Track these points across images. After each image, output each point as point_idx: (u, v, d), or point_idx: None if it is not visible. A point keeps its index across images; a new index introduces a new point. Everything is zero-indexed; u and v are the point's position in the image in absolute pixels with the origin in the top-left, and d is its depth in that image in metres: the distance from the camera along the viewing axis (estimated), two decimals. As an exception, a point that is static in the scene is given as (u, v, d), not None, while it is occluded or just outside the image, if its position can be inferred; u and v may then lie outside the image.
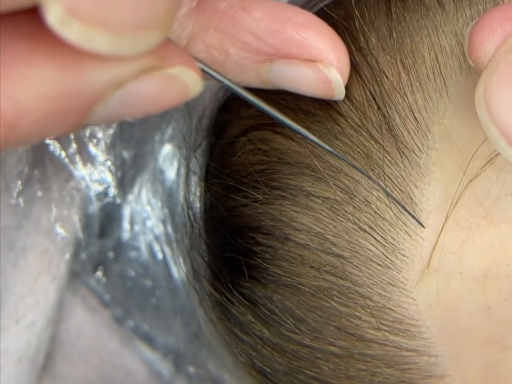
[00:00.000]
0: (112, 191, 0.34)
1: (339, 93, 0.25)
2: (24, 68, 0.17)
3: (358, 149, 0.25)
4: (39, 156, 0.32)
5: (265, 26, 0.24)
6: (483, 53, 0.22)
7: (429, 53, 0.25)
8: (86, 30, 0.16)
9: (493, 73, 0.21)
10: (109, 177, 0.33)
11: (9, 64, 0.17)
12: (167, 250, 0.34)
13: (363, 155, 0.25)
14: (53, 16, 0.16)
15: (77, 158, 0.32)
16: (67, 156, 0.32)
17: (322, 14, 0.27)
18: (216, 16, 0.24)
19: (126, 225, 0.34)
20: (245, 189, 0.27)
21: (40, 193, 0.32)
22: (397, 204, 0.24)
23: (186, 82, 0.19)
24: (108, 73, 0.18)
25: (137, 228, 0.34)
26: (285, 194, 0.26)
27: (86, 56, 0.17)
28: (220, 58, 0.24)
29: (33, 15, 0.17)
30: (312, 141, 0.24)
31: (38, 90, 0.17)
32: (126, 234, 0.34)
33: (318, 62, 0.24)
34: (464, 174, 0.24)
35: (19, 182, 0.31)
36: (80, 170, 0.32)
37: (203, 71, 0.21)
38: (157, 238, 0.34)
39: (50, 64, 0.17)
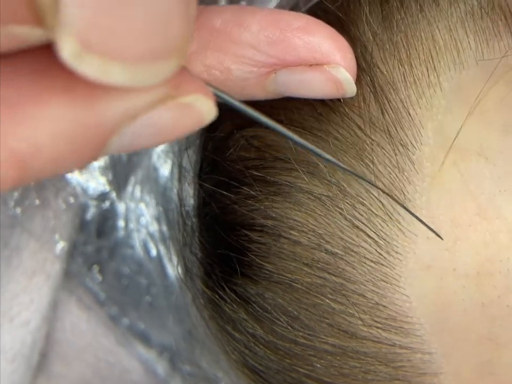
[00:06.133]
0: (107, 190, 0.34)
1: (350, 91, 0.24)
2: (35, 106, 0.16)
3: (351, 145, 0.25)
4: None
5: (264, 37, 0.23)
6: None
7: (423, 48, 0.25)
8: (102, 63, 0.15)
9: None
10: (103, 178, 0.33)
11: (20, 104, 0.16)
12: (162, 247, 0.34)
13: (356, 151, 0.25)
14: (67, 50, 0.15)
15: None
16: None
17: (317, 10, 0.27)
18: (212, 36, 0.23)
19: (120, 223, 0.34)
20: (237, 185, 0.27)
21: (37, 202, 0.32)
22: (399, 205, 0.24)
23: (201, 109, 0.19)
24: (122, 105, 0.17)
25: (131, 225, 0.34)
26: (277, 190, 0.26)
27: (99, 89, 0.17)
28: (222, 77, 0.23)
29: (43, 51, 0.16)
30: (316, 154, 0.23)
31: (52, 128, 0.16)
32: (120, 232, 0.34)
33: (324, 64, 0.23)
34: (458, 170, 0.24)
35: (16, 194, 0.31)
36: (74, 173, 0.32)
37: (216, 95, 0.20)
38: (151, 235, 0.34)
39: (63, 100, 0.17)
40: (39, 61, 0.17)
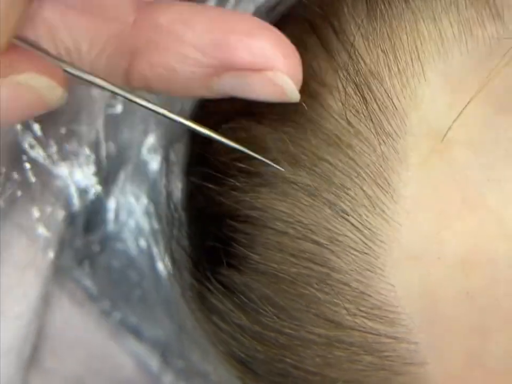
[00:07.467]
0: (96, 184, 0.34)
1: (293, 96, 0.24)
2: None
3: (335, 135, 0.25)
4: (15, 156, 0.31)
5: (208, 39, 0.23)
6: None
7: (407, 38, 0.25)
8: None
9: None
10: (91, 171, 0.33)
11: None
12: (152, 241, 0.34)
13: (340, 141, 0.25)
14: None
15: (57, 155, 0.32)
16: (46, 154, 0.32)
17: (300, 2, 0.27)
18: (157, 33, 0.23)
19: (111, 217, 0.34)
20: (223, 177, 0.27)
21: (19, 193, 0.32)
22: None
23: (40, 89, 0.18)
24: None
25: (122, 219, 0.34)
26: (262, 181, 0.26)
27: None
28: (166, 75, 0.23)
29: None
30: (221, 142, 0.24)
31: None
32: (111, 226, 0.34)
33: (267, 70, 0.23)
34: (443, 159, 0.24)
35: None
36: (61, 167, 0.32)
37: (69, 73, 0.19)
38: (141, 229, 0.34)
39: None
40: None
